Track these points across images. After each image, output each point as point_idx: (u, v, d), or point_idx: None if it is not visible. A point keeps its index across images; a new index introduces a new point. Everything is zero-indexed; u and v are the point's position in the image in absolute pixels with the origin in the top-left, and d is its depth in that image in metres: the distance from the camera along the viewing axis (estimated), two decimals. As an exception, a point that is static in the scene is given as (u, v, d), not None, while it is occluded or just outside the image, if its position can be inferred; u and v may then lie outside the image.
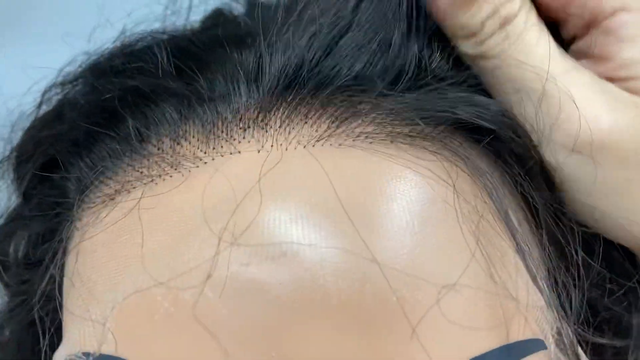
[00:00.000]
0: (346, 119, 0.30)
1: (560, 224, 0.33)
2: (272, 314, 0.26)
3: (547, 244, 0.32)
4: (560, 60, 0.33)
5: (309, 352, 0.26)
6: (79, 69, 0.37)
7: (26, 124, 0.39)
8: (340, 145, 0.30)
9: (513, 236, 0.30)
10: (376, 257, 0.27)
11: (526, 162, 0.32)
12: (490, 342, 0.27)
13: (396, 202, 0.28)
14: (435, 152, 0.30)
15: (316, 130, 0.30)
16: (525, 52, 0.32)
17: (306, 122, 0.30)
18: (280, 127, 0.30)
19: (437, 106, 0.31)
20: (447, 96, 0.32)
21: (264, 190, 0.28)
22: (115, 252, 0.29)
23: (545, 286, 0.31)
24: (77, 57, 0.39)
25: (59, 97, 0.38)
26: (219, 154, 0.30)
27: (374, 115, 0.31)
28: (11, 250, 0.38)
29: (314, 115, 0.31)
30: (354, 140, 0.30)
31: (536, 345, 0.29)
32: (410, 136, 0.30)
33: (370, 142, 0.30)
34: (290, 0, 0.35)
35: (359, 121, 0.30)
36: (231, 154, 0.30)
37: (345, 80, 0.31)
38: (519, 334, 0.29)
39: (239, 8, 0.43)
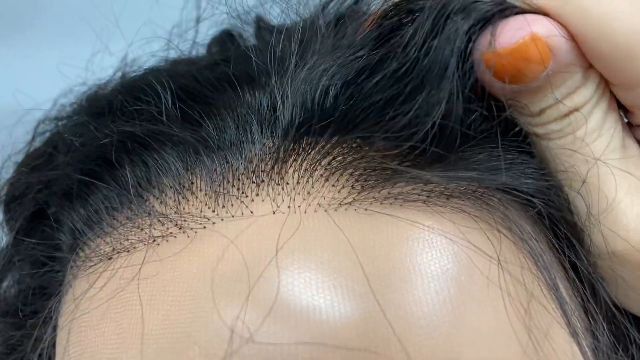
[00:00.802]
0: (373, 178, 0.27)
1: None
2: None
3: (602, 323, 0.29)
4: (620, 152, 0.29)
5: None
6: (76, 105, 0.34)
7: (18, 159, 0.36)
8: (366, 210, 0.26)
9: (565, 314, 0.27)
10: (405, 345, 0.23)
11: (573, 229, 0.29)
12: None
13: (429, 278, 0.25)
14: (475, 216, 0.27)
15: (339, 191, 0.26)
16: (580, 144, 0.28)
17: (327, 180, 0.27)
18: (298, 183, 0.27)
19: (477, 168, 0.27)
20: (487, 157, 0.28)
21: (281, 263, 0.24)
22: (110, 335, 0.26)
23: None
24: (74, 87, 0.36)
25: (53, 131, 0.35)
26: (229, 214, 0.26)
27: (404, 171, 0.27)
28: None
29: (336, 171, 0.27)
30: (381, 204, 0.26)
31: None
32: (445, 195, 0.27)
33: (401, 205, 0.26)
34: (309, 25, 0.30)
35: (388, 180, 0.27)
36: (242, 214, 0.26)
37: (373, 130, 0.27)
38: None
39: (249, 29, 0.40)
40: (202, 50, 0.40)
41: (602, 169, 0.28)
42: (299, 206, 0.26)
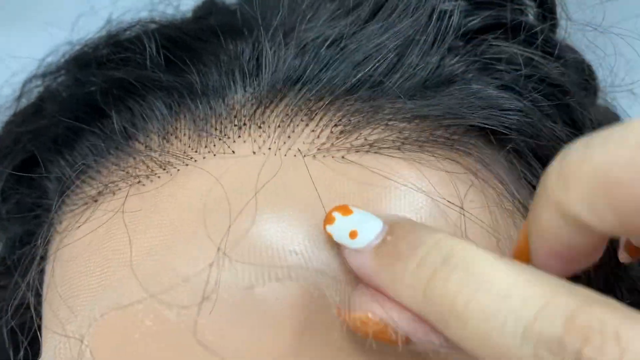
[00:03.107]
0: (350, 123, 0.28)
1: None
2: (281, 335, 0.24)
3: None
4: None
5: None
6: (62, 60, 0.35)
7: (4, 117, 0.37)
8: (343, 157, 0.27)
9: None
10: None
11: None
12: None
13: None
14: (446, 160, 0.28)
15: (318, 136, 0.28)
16: None
17: (307, 125, 0.28)
18: (279, 126, 0.28)
19: (451, 110, 0.29)
20: (462, 97, 0.29)
21: (260, 201, 0.26)
22: (97, 261, 0.27)
23: None
24: (60, 47, 0.37)
25: (40, 89, 0.36)
26: (211, 153, 0.27)
27: (381, 118, 0.28)
28: None
29: (316, 117, 0.28)
30: (357, 152, 0.27)
31: None
32: (419, 142, 0.28)
33: (375, 153, 0.27)
34: None
35: (365, 127, 0.28)
36: (224, 153, 0.27)
37: (354, 84, 0.29)
38: None
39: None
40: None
41: None
42: (279, 149, 0.27)
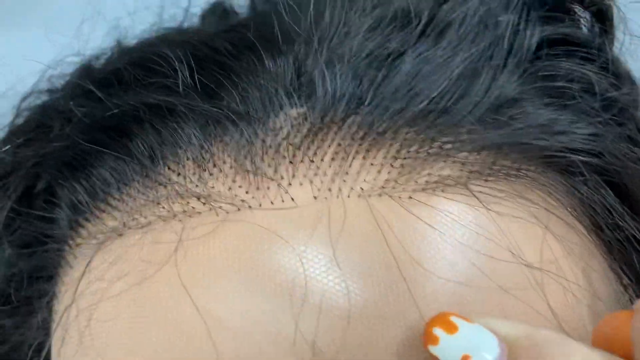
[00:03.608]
0: (410, 156, 0.25)
1: None
2: None
3: None
4: None
5: None
6: (73, 76, 0.31)
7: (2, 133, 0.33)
8: (410, 198, 0.24)
9: None
10: None
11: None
12: None
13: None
14: (514, 202, 0.26)
15: (379, 172, 0.25)
16: None
17: (365, 157, 0.25)
18: (333, 159, 0.25)
19: (519, 137, 0.26)
20: (527, 122, 0.27)
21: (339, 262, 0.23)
22: (151, 330, 0.23)
23: None
24: (65, 57, 0.33)
25: (44, 106, 0.32)
26: (267, 199, 0.24)
27: (443, 150, 0.25)
28: None
29: (373, 149, 0.25)
30: (423, 190, 0.25)
31: None
32: (484, 177, 0.25)
33: (442, 190, 0.25)
34: None
35: (427, 161, 0.25)
36: (283, 201, 0.24)
37: (417, 113, 0.26)
38: None
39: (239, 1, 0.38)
40: (195, 20, 0.38)
41: None
42: (339, 189, 0.24)
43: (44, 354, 0.28)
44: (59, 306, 0.28)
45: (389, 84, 0.26)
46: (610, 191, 0.28)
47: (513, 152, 0.26)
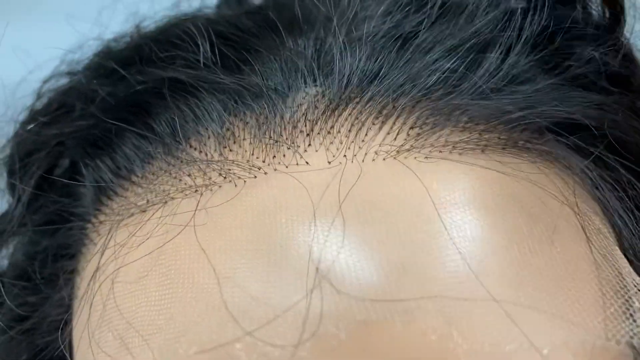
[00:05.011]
0: (428, 124, 0.26)
1: None
2: None
3: None
4: None
5: None
6: (94, 56, 0.32)
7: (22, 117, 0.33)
8: (426, 158, 0.25)
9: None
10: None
11: None
12: None
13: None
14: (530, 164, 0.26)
15: (395, 138, 0.25)
16: None
17: (381, 128, 0.26)
18: (350, 131, 0.25)
19: (532, 106, 0.27)
20: (539, 95, 0.27)
21: (348, 215, 0.23)
22: (170, 288, 0.24)
23: None
24: (85, 42, 0.34)
25: (65, 88, 0.32)
26: (282, 164, 0.25)
27: (458, 119, 0.26)
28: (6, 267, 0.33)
29: (389, 120, 0.26)
30: (440, 152, 0.25)
31: None
32: (502, 145, 0.26)
33: (460, 154, 0.25)
34: None
35: (444, 128, 0.26)
36: (297, 164, 0.25)
37: (430, 86, 0.26)
38: None
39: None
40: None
41: None
42: (354, 155, 0.25)
43: (66, 330, 0.29)
44: (82, 282, 0.28)
45: (405, 60, 0.27)
46: (621, 166, 0.28)
47: (525, 125, 0.27)
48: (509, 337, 0.21)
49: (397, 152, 0.25)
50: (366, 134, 0.25)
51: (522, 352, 0.21)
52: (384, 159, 0.25)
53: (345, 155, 0.25)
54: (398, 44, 0.27)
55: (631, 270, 0.25)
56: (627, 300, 0.24)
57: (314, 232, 0.23)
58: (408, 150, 0.25)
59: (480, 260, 0.23)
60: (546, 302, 0.22)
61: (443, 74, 0.27)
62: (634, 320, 0.23)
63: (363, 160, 0.25)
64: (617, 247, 0.26)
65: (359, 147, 0.25)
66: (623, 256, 0.26)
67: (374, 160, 0.25)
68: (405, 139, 0.25)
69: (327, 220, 0.23)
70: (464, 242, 0.23)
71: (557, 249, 0.24)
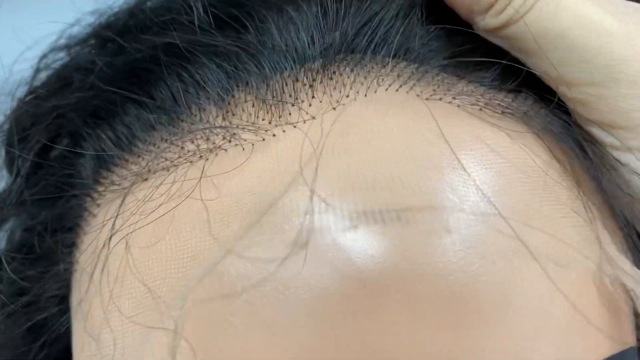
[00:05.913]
0: (433, 70, 0.26)
1: None
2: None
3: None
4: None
5: (399, 345, 0.21)
6: (90, 28, 0.31)
7: (20, 93, 0.33)
8: (427, 100, 0.25)
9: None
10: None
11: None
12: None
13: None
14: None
15: (398, 76, 0.26)
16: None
17: (383, 67, 0.26)
18: (352, 71, 0.25)
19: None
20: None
21: (353, 141, 0.23)
22: (181, 241, 0.24)
23: None
24: (83, 18, 0.33)
25: (63, 61, 0.32)
26: (289, 125, 0.25)
27: (456, 82, 0.26)
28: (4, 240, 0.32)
29: (389, 64, 0.26)
30: (441, 99, 0.25)
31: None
32: (501, 108, 0.26)
33: (459, 106, 0.25)
34: None
35: (448, 77, 0.26)
36: (304, 121, 0.24)
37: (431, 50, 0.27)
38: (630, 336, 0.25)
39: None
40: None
41: None
42: (357, 92, 0.25)
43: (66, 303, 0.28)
44: (82, 255, 0.28)
45: (409, 22, 0.27)
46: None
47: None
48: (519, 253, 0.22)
49: (400, 86, 0.25)
50: (369, 72, 0.26)
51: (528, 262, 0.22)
52: (386, 90, 0.25)
53: (348, 96, 0.25)
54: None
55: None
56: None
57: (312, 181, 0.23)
58: (411, 87, 0.25)
59: (485, 182, 0.23)
60: (551, 229, 0.23)
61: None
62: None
63: (366, 95, 0.25)
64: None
65: (361, 84, 0.25)
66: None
67: (375, 92, 0.25)
68: (409, 77, 0.26)
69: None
70: (471, 164, 0.24)
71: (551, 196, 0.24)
